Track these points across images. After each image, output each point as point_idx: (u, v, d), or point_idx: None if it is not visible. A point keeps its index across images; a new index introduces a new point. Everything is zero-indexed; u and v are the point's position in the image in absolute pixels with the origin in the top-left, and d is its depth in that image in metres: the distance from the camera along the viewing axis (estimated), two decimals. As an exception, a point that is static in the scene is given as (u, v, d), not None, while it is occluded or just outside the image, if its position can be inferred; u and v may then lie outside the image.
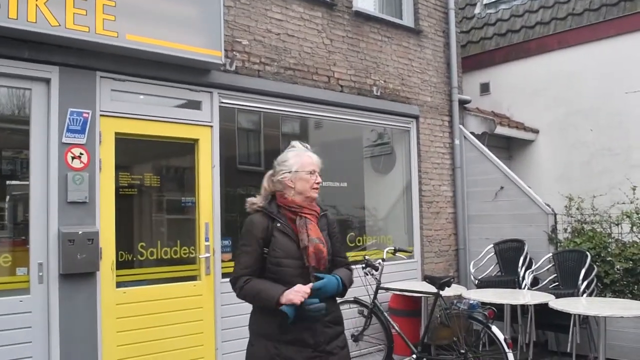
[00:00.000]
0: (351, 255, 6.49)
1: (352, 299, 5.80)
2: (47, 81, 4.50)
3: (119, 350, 4.71)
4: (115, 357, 4.69)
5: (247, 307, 5.45)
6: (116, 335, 4.70)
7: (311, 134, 6.91)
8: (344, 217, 6.98)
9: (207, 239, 5.28)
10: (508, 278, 6.81)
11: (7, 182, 4.63)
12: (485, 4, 10.57)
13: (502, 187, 7.53)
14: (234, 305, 5.34)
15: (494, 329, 5.00)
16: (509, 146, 9.50)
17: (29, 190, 4.45)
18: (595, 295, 6.36)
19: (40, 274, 4.41)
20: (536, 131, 9.25)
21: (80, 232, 4.43)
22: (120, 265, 4.82)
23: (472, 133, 8.09)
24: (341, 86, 6.54)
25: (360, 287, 5.58)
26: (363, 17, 6.91)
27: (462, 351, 5.07)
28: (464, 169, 7.90)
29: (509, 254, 7.18)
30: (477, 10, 10.64)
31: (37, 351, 4.34)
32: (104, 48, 4.59)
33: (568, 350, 5.74)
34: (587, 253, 6.36)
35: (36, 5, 4.17)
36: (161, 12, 4.83)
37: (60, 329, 4.39)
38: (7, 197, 4.62)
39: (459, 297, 5.80)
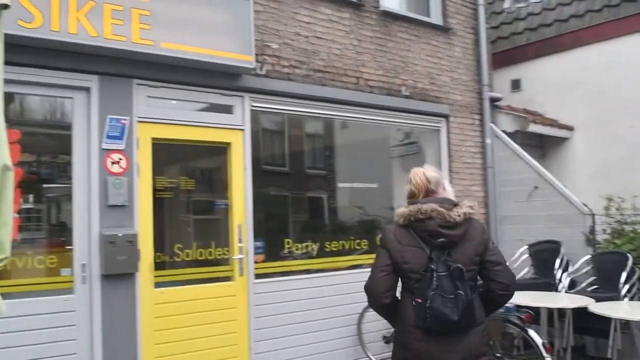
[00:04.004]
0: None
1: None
2: (87, 90, 4.68)
3: (156, 348, 4.87)
4: (154, 355, 4.85)
5: (280, 308, 5.60)
6: (154, 334, 4.87)
7: (337, 134, 6.99)
8: (372, 217, 7.03)
9: (240, 241, 5.41)
10: (544, 280, 6.70)
11: (50, 186, 4.85)
12: (515, -1, 10.46)
13: (536, 187, 7.44)
14: (267, 305, 5.50)
15: (531, 332, 4.87)
16: (543, 144, 9.35)
17: (71, 194, 4.65)
18: (638, 299, 6.20)
19: (84, 274, 4.60)
20: (571, 128, 9.08)
21: (120, 234, 4.61)
22: (157, 266, 4.99)
23: (503, 131, 8.03)
24: (370, 87, 6.59)
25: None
26: (391, 17, 6.94)
27: (498, 355, 5.03)
28: (496, 169, 7.84)
29: (544, 256, 7.05)
30: (506, 4, 10.52)
31: (81, 348, 4.53)
32: (140, 56, 4.75)
33: (608, 355, 5.61)
34: (629, 255, 6.20)
35: (76, 17, 4.35)
36: (194, 20, 4.97)
37: (102, 326, 4.58)
38: (50, 201, 4.84)
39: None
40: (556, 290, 6.40)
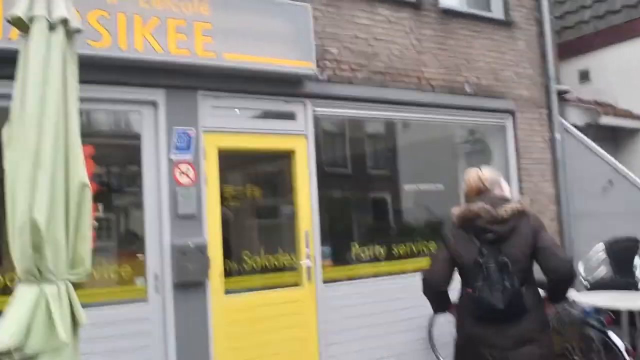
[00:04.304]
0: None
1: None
2: (154, 103, 4.82)
3: (229, 353, 4.94)
4: (225, 359, 4.92)
5: (349, 312, 5.58)
6: (226, 339, 4.94)
7: (399, 135, 6.91)
8: (439, 218, 6.91)
9: (307, 246, 5.43)
10: (623, 280, 6.39)
11: (120, 196, 5.03)
12: (580, -14, 10.06)
13: (610, 182, 7.12)
14: (336, 310, 5.49)
15: (613, 336, 4.66)
16: (615, 137, 8.94)
17: (140, 204, 4.80)
18: None
19: (156, 283, 4.73)
20: (646, 119, 8.68)
21: (190, 244, 4.71)
22: (227, 273, 5.07)
23: (573, 125, 7.73)
24: (432, 86, 6.48)
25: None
26: (450, 14, 6.80)
27: (576, 359, 4.83)
28: (567, 164, 7.54)
29: (623, 254, 6.70)
30: (570, -7, 10.14)
31: (156, 355, 4.66)
32: (204, 68, 4.85)
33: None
34: None
35: (142, 34, 4.49)
36: (254, 30, 5.03)
37: (176, 333, 4.70)
38: (120, 211, 5.02)
39: (570, 302, 5.56)
40: (636, 289, 6.08)
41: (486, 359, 3.02)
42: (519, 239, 3.03)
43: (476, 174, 3.27)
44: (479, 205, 3.09)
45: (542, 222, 3.22)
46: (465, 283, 3.16)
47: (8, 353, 2.25)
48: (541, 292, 3.20)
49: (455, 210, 3.19)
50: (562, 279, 3.08)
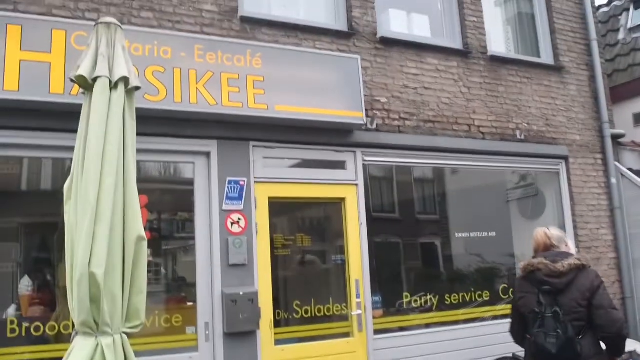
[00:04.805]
0: (505, 307, 6.22)
1: (512, 355, 5.52)
2: (207, 154, 4.94)
3: (279, 406, 4.88)
4: (277, 413, 4.86)
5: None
6: (277, 392, 4.88)
7: (448, 181, 6.82)
8: (491, 266, 6.74)
9: (357, 296, 5.35)
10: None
11: (171, 243, 5.10)
12: (630, 29, 9.89)
13: None
14: (388, 361, 5.36)
15: None
16: (674, 180, 8.61)
17: (190, 252, 4.86)
18: None
19: (207, 332, 4.73)
20: None
21: (241, 293, 4.71)
22: (277, 323, 5.03)
23: (629, 169, 7.48)
24: (482, 133, 6.43)
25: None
26: (499, 61, 6.79)
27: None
28: (625, 209, 7.29)
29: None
30: (620, 36, 9.97)
31: (207, 406, 4.63)
32: (255, 120, 4.95)
33: None
34: None
35: (196, 88, 4.64)
36: (305, 81, 5.14)
37: (227, 383, 4.66)
38: (171, 257, 5.09)
39: (633, 354, 5.28)
40: None
41: None
42: (575, 292, 3.31)
43: (543, 232, 3.62)
44: (539, 260, 3.44)
45: (601, 279, 3.42)
46: (526, 330, 3.51)
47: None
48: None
49: (521, 264, 3.60)
50: (610, 335, 3.29)
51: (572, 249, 3.62)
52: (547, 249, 3.54)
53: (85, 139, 2.54)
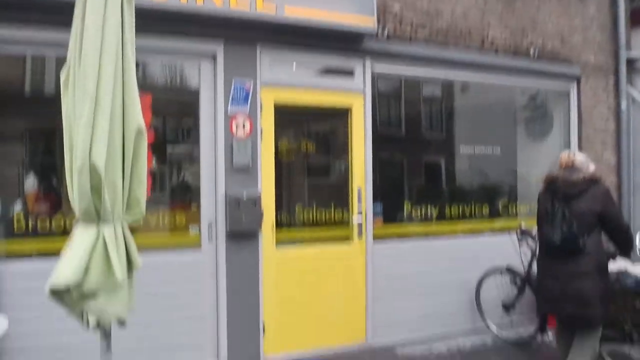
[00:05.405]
0: (504, 222, 6.34)
1: (506, 267, 5.68)
2: (213, 57, 4.86)
3: (277, 303, 5.08)
4: (274, 309, 5.07)
5: (397, 271, 5.60)
6: (275, 289, 5.07)
7: (457, 97, 6.75)
8: (494, 182, 6.80)
9: (359, 203, 5.44)
10: (681, 253, 6.19)
11: (175, 148, 5.12)
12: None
13: None
14: (385, 267, 5.53)
15: None
16: (687, 108, 8.48)
17: (195, 156, 4.90)
18: None
19: (210, 232, 4.86)
20: None
21: (244, 195, 4.79)
22: (279, 226, 5.15)
23: (641, 95, 7.36)
24: (495, 48, 6.27)
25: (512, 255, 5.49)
26: (519, -26, 6.52)
27: (627, 329, 4.75)
28: (632, 135, 7.24)
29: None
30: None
31: (207, 300, 4.84)
32: (263, 23, 4.81)
33: None
34: None
35: (204, -15, 4.48)
36: (316, -17, 4.95)
37: (227, 281, 4.85)
38: (176, 162, 5.13)
39: (624, 272, 5.41)
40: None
41: (549, 288, 4.01)
42: (586, 200, 3.89)
43: (568, 154, 4.10)
44: (557, 172, 4.08)
45: (611, 194, 4.01)
46: (539, 227, 4.18)
47: (67, 290, 2.30)
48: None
49: (543, 176, 4.19)
50: (620, 237, 4.01)
51: (592, 170, 4.04)
52: (567, 168, 4.02)
53: (82, 29, 2.43)
